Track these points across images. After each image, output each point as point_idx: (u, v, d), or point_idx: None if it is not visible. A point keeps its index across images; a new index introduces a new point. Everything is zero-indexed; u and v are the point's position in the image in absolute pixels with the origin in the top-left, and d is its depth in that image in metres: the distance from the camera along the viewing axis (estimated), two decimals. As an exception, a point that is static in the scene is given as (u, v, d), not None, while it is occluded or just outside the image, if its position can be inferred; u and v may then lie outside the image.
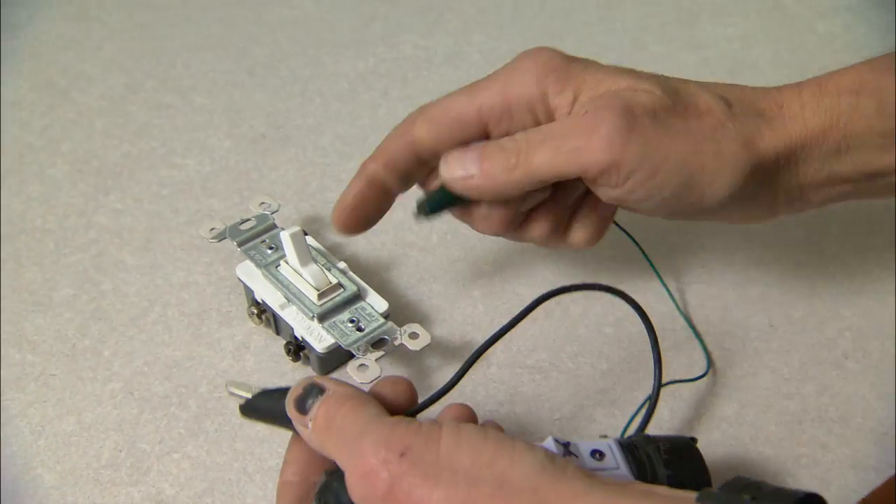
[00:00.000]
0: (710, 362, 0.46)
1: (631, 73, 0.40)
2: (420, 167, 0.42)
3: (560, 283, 0.50)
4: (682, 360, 0.47)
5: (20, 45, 0.70)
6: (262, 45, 0.69)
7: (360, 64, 0.68)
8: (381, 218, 0.44)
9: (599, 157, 0.37)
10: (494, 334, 0.39)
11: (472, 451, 0.30)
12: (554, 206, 0.43)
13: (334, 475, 0.33)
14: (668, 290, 0.49)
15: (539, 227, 0.43)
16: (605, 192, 0.39)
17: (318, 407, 0.32)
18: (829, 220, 0.54)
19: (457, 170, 0.40)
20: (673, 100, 0.38)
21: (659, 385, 0.39)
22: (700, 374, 0.45)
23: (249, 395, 0.35)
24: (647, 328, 0.40)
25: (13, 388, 0.46)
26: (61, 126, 0.62)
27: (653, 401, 0.39)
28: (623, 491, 0.29)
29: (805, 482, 0.41)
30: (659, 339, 0.40)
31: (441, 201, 0.42)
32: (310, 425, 0.32)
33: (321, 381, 0.33)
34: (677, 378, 0.45)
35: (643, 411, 0.39)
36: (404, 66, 0.68)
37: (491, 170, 0.39)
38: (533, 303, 0.40)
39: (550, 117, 0.40)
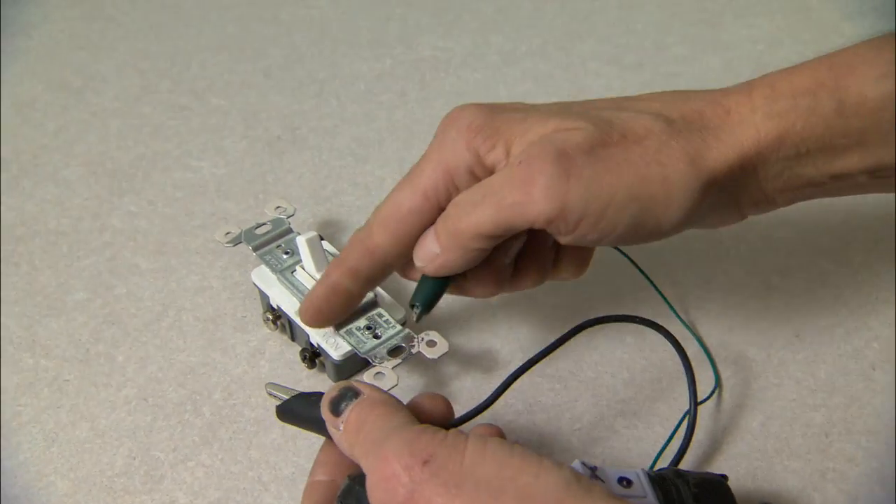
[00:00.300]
0: (718, 382, 0.45)
1: (558, 112, 0.39)
2: (386, 270, 0.42)
3: (578, 290, 0.50)
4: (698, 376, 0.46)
5: (34, 45, 0.70)
6: (278, 46, 0.70)
7: (377, 65, 0.68)
8: (348, 314, 0.44)
9: (542, 208, 0.36)
10: (531, 359, 0.40)
11: (497, 464, 0.30)
12: (535, 250, 0.42)
13: (357, 479, 0.33)
14: (673, 309, 0.48)
15: (529, 276, 0.43)
16: (559, 238, 0.38)
17: (350, 410, 0.33)
18: (856, 227, 0.53)
19: (422, 257, 0.40)
20: (606, 132, 0.37)
21: (694, 420, 0.40)
22: (706, 394, 0.44)
23: (287, 398, 0.36)
24: (682, 361, 0.40)
25: (26, 394, 0.46)
26: (75, 127, 0.62)
27: (688, 433, 0.39)
28: None
29: (832, 497, 0.41)
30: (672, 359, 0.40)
31: (430, 291, 0.42)
32: (341, 427, 0.33)
33: (357, 385, 0.34)
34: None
35: (677, 434, 0.39)
36: (422, 67, 0.68)
37: (445, 241, 0.39)
38: (572, 331, 0.41)
39: (492, 174, 0.39)
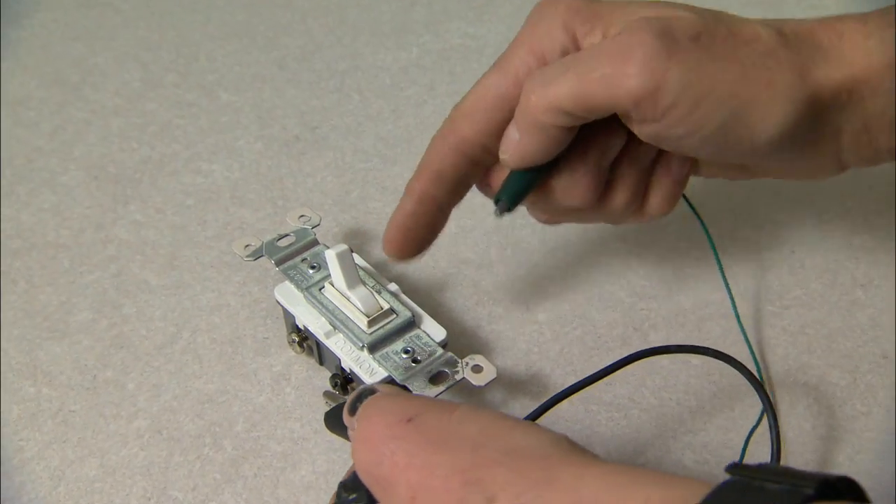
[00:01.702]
0: (769, 408, 0.44)
1: (662, 3, 0.39)
2: (473, 170, 0.42)
3: (637, 307, 0.49)
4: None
5: (25, 36, 0.69)
6: (292, 35, 0.69)
7: (403, 55, 0.67)
8: (436, 237, 0.43)
9: (634, 84, 0.35)
10: (577, 384, 0.39)
11: (485, 422, 0.31)
12: (630, 166, 0.42)
13: (345, 484, 0.33)
14: (743, 330, 0.47)
15: (622, 193, 0.42)
16: (641, 129, 0.38)
17: (363, 407, 0.33)
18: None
19: (504, 147, 0.40)
20: (714, 25, 0.37)
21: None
22: (754, 423, 0.43)
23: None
24: (762, 399, 0.39)
25: (28, 427, 0.45)
26: (73, 127, 0.62)
27: None
28: (637, 470, 0.28)
29: (931, 540, 0.40)
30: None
31: (516, 184, 0.41)
32: (355, 426, 0.33)
33: (376, 385, 0.35)
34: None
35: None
36: (451, 57, 0.67)
37: (522, 121, 0.39)
38: (629, 357, 0.40)
39: None
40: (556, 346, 0.48)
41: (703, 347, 0.40)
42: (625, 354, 0.46)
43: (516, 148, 0.39)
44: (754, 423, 0.42)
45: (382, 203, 0.56)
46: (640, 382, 0.46)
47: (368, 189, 0.57)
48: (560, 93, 0.37)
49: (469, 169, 0.42)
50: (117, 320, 0.50)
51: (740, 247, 0.52)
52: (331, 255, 0.44)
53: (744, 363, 0.40)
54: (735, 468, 0.27)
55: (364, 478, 0.32)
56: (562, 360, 0.48)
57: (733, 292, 0.47)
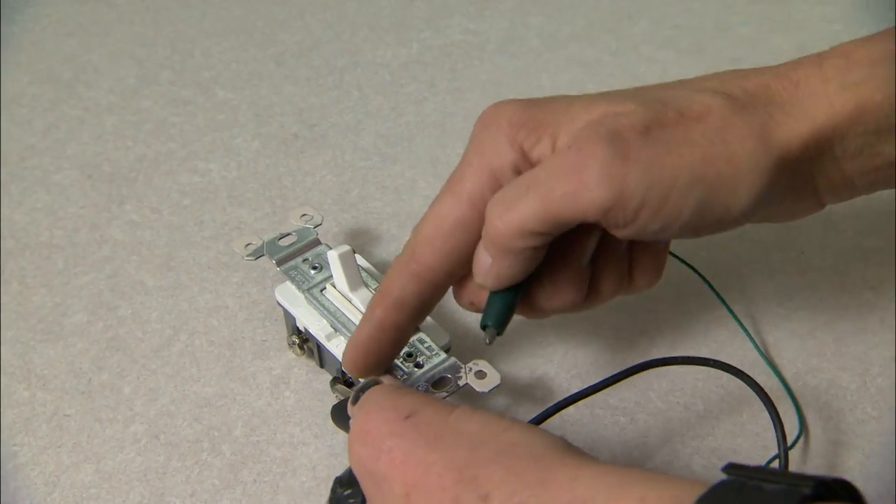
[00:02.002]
0: (803, 425, 0.44)
1: (604, 97, 0.38)
2: (436, 293, 0.41)
3: (643, 309, 0.49)
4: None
5: (18, 32, 0.69)
6: (289, 31, 0.69)
7: (403, 51, 0.67)
8: (398, 354, 0.42)
9: (596, 197, 0.35)
10: (582, 392, 0.39)
11: (482, 422, 0.31)
12: (610, 252, 0.41)
13: (340, 480, 0.34)
14: (752, 339, 0.48)
15: (607, 283, 0.41)
16: (616, 232, 0.37)
17: (362, 400, 0.34)
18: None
19: (477, 271, 0.39)
20: (661, 112, 0.36)
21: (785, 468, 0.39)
22: (793, 439, 0.42)
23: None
24: (768, 409, 0.39)
25: (22, 432, 0.45)
26: (67, 125, 0.62)
27: None
28: (632, 471, 0.29)
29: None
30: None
31: (500, 307, 0.40)
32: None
33: (381, 377, 0.36)
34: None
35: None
36: (452, 53, 0.67)
37: (493, 245, 0.38)
38: (635, 367, 0.40)
39: None
40: (561, 350, 0.48)
41: (714, 360, 0.40)
42: (631, 358, 0.47)
43: (490, 271, 0.39)
44: (778, 435, 0.41)
45: (383, 202, 0.56)
46: (646, 386, 0.46)
47: (368, 188, 0.57)
48: (525, 216, 0.36)
49: (432, 293, 0.41)
50: (113, 322, 0.50)
51: (748, 248, 0.52)
52: (333, 256, 0.44)
53: (755, 366, 0.40)
54: (732, 468, 0.27)
55: (358, 471, 0.32)
56: (566, 364, 0.47)
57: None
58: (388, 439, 0.31)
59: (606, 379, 0.39)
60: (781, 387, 0.45)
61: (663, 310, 0.50)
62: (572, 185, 0.35)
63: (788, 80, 0.37)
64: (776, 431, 0.38)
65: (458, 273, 0.40)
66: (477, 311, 0.41)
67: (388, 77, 0.65)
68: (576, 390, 0.45)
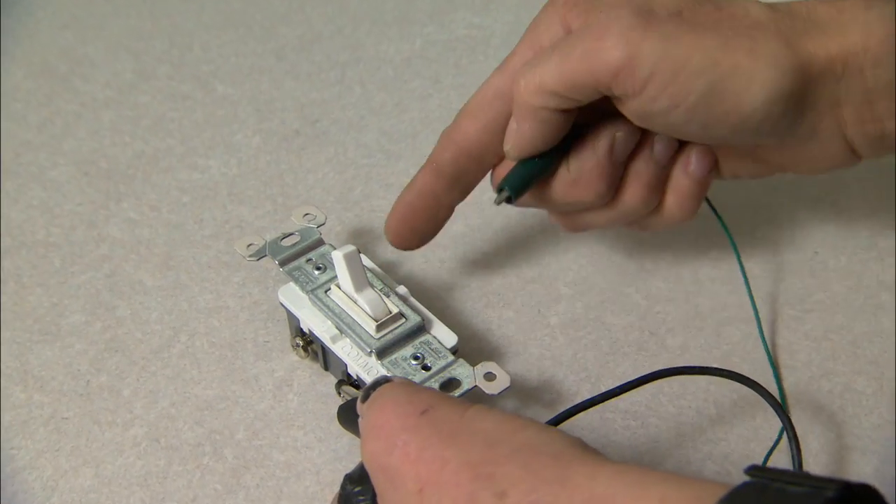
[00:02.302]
0: (788, 428, 0.43)
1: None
2: (475, 168, 0.44)
3: (653, 310, 0.49)
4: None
5: (12, 25, 0.69)
6: (291, 24, 0.68)
7: (406, 46, 0.66)
8: (438, 230, 0.46)
9: (610, 57, 0.37)
10: (593, 398, 0.39)
11: (498, 420, 0.31)
12: (644, 163, 0.43)
13: (351, 476, 0.34)
14: (763, 337, 0.47)
15: (635, 189, 0.43)
16: (626, 108, 0.39)
17: (375, 394, 0.34)
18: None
19: (505, 139, 0.42)
20: (702, 3, 0.39)
21: None
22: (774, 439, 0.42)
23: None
24: (784, 424, 0.38)
25: (20, 435, 0.45)
26: (62, 120, 0.61)
27: None
28: (652, 471, 0.28)
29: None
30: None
31: (519, 175, 0.42)
32: (366, 414, 0.33)
33: (391, 376, 0.36)
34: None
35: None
36: (457, 48, 0.66)
37: (517, 105, 0.40)
38: (652, 375, 0.40)
39: None
40: (570, 351, 0.48)
41: (729, 371, 0.40)
42: (641, 360, 0.47)
43: (515, 137, 0.41)
44: (774, 440, 0.42)
45: (387, 201, 0.56)
46: (657, 389, 0.46)
47: (372, 186, 0.57)
48: (545, 74, 0.39)
49: (470, 166, 0.44)
50: (111, 323, 0.49)
51: (760, 247, 0.52)
52: (338, 257, 0.43)
53: (766, 370, 0.40)
54: (755, 470, 0.27)
55: (371, 466, 0.32)
56: (576, 366, 0.47)
57: (754, 296, 0.47)
58: (403, 434, 0.31)
59: (621, 385, 0.39)
60: (795, 392, 0.45)
61: (673, 311, 0.49)
62: (591, 44, 0.38)
63: (834, 7, 0.38)
64: (790, 443, 0.38)
65: (495, 147, 0.43)
66: None
67: (392, 72, 0.64)
68: (585, 394, 0.46)
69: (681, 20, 0.38)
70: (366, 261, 0.47)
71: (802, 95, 0.37)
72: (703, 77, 0.37)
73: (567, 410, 0.38)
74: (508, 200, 0.43)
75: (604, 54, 0.37)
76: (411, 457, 0.30)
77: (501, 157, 0.44)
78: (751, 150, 0.43)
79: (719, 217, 0.46)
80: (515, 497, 0.28)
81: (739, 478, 0.42)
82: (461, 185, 0.44)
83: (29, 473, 0.43)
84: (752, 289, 0.47)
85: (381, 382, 0.34)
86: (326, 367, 0.46)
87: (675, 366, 0.46)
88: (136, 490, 0.43)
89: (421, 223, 0.44)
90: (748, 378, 0.39)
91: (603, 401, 0.39)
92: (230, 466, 0.43)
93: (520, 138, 0.41)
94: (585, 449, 0.30)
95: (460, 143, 0.43)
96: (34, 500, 0.42)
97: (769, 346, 0.47)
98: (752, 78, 0.36)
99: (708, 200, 0.46)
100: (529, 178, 0.42)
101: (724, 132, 0.39)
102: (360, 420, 0.34)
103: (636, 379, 0.40)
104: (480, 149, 0.43)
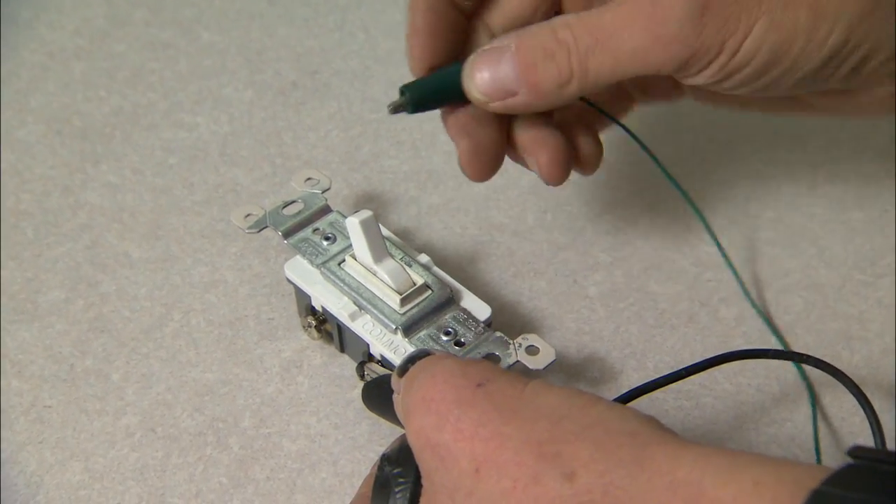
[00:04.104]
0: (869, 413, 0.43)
1: None
2: None
3: (703, 277, 0.49)
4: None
5: (-36, -34, 0.68)
6: (282, -37, 0.68)
7: (413, -14, 0.66)
8: (458, 49, 0.44)
9: (673, 54, 0.38)
10: (651, 383, 0.39)
11: (563, 395, 0.31)
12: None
13: (387, 457, 0.34)
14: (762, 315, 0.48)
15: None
16: (681, 79, 0.40)
17: (424, 363, 0.34)
18: None
19: (491, 85, 0.40)
20: None
21: None
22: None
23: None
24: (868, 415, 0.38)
25: (-2, 425, 0.44)
26: (28, 73, 0.61)
27: None
28: (743, 453, 0.28)
29: None
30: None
31: (434, 96, 0.42)
32: (413, 386, 0.33)
33: (431, 349, 0.36)
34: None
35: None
36: (471, -12, 0.66)
37: (540, 85, 0.40)
38: (717, 358, 0.40)
39: None
40: (611, 325, 0.48)
41: (808, 356, 0.40)
42: (691, 333, 0.47)
43: (508, 100, 0.40)
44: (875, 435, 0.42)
45: (399, 160, 0.56)
46: (712, 366, 0.46)
47: (381, 144, 0.56)
48: (596, 70, 0.39)
49: None
50: (95, 300, 0.49)
51: (822, 206, 0.52)
52: (353, 224, 0.43)
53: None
54: (859, 450, 0.27)
55: (417, 443, 0.32)
56: (618, 341, 0.47)
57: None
58: (457, 408, 0.31)
59: (696, 364, 0.39)
60: (867, 366, 0.45)
61: (726, 278, 0.49)
62: (646, 41, 0.38)
63: None
64: (871, 426, 0.38)
65: None
66: None
67: (398, 16, 0.64)
68: (630, 371, 0.46)
69: None
70: (381, 228, 0.46)
71: (869, 36, 0.38)
72: (765, 44, 0.38)
73: (637, 388, 0.38)
74: (407, 109, 0.42)
75: (664, 52, 0.38)
76: (466, 433, 0.30)
77: None
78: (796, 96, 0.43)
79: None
80: (586, 478, 0.28)
81: (808, 461, 0.42)
82: None
83: (11, 468, 0.43)
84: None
85: (421, 355, 0.34)
86: (342, 349, 0.46)
87: (729, 339, 0.46)
88: (131, 485, 0.42)
89: (444, 31, 0.43)
90: (830, 365, 0.39)
91: (675, 380, 0.39)
92: (236, 457, 0.43)
93: (518, 106, 0.41)
94: (663, 429, 0.30)
95: None
96: (18, 498, 0.42)
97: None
98: (811, 36, 0.37)
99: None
100: (440, 104, 0.43)
101: (778, 90, 0.40)
102: (398, 396, 0.34)
103: (714, 358, 0.39)
104: None
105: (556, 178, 0.43)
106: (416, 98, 0.42)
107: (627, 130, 0.45)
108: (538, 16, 0.44)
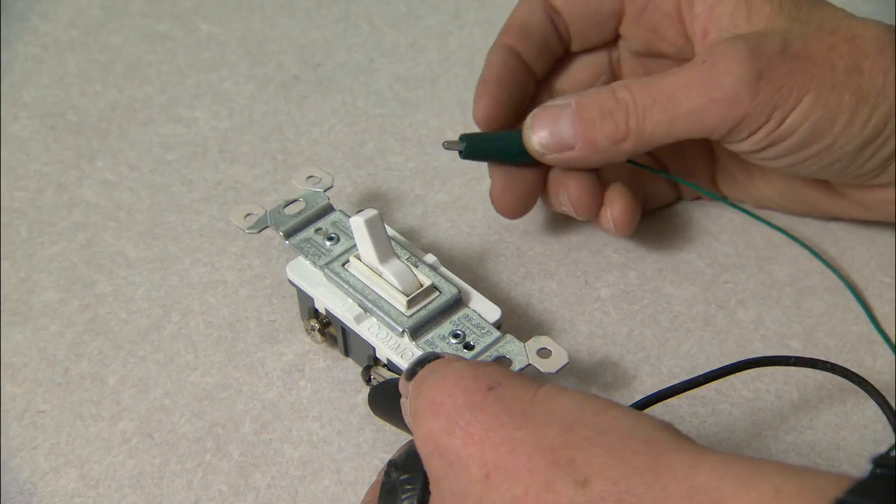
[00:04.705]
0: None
1: (800, 10, 0.44)
2: (557, 39, 0.49)
3: (720, 279, 0.49)
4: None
5: (-45, -45, 0.68)
6: (284, -48, 0.68)
7: (420, -24, 0.66)
8: (522, 108, 0.48)
9: (726, 117, 0.42)
10: (668, 390, 0.39)
11: (576, 400, 0.31)
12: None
13: (395, 463, 0.34)
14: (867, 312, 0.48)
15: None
16: (722, 142, 0.44)
17: (434, 366, 0.34)
18: None
19: (550, 139, 0.45)
20: (807, 30, 0.42)
21: None
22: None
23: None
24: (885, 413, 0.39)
25: (-10, 431, 0.45)
26: (21, 66, 0.61)
27: None
28: (762, 460, 0.28)
29: None
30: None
31: (490, 153, 0.47)
32: (422, 389, 0.33)
33: (442, 353, 0.36)
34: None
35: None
36: (480, -23, 0.66)
37: (597, 141, 0.44)
38: (738, 364, 0.40)
39: None
40: (625, 328, 0.48)
41: (832, 364, 0.40)
42: (708, 337, 0.47)
43: (564, 154, 0.45)
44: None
45: (404, 157, 0.56)
46: (728, 370, 0.46)
47: (386, 140, 0.57)
48: (651, 129, 0.43)
49: (554, 34, 0.48)
50: (90, 301, 0.49)
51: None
52: (358, 223, 0.43)
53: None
54: (884, 459, 0.27)
55: (425, 448, 0.32)
56: (632, 345, 0.47)
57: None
58: (467, 412, 0.31)
59: (718, 370, 0.40)
60: (891, 370, 0.45)
61: (744, 280, 0.49)
62: (703, 102, 0.42)
63: None
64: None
65: (591, 31, 0.48)
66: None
67: (404, 7, 0.64)
68: (644, 377, 0.46)
69: (790, 57, 0.41)
70: (386, 228, 0.46)
71: None
72: (810, 116, 0.42)
73: (653, 395, 0.38)
74: (460, 153, 0.46)
75: (717, 114, 0.42)
76: (476, 438, 0.30)
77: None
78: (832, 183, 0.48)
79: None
80: (600, 486, 0.28)
81: (830, 470, 0.42)
82: (547, 53, 0.49)
83: (3, 475, 0.43)
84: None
85: (430, 358, 0.34)
86: (347, 353, 0.46)
87: (747, 342, 0.46)
88: (128, 493, 0.43)
89: (512, 88, 0.47)
90: (854, 373, 0.40)
91: (692, 387, 0.39)
92: (236, 464, 0.43)
93: (573, 161, 0.45)
94: (680, 435, 0.30)
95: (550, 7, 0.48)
96: (11, 506, 0.42)
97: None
98: (853, 118, 0.42)
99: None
100: (494, 160, 0.47)
101: (813, 168, 0.44)
102: (405, 400, 0.34)
103: (733, 364, 0.40)
104: (575, 19, 0.48)
105: (624, 228, 0.48)
106: (472, 150, 0.46)
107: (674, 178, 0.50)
108: (600, 84, 0.48)
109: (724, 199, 0.51)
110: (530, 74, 0.48)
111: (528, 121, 0.45)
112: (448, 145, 0.46)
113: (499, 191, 0.47)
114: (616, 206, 0.47)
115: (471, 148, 0.46)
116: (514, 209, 0.47)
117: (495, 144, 0.47)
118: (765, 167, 0.47)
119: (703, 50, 0.44)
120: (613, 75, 0.50)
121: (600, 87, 0.44)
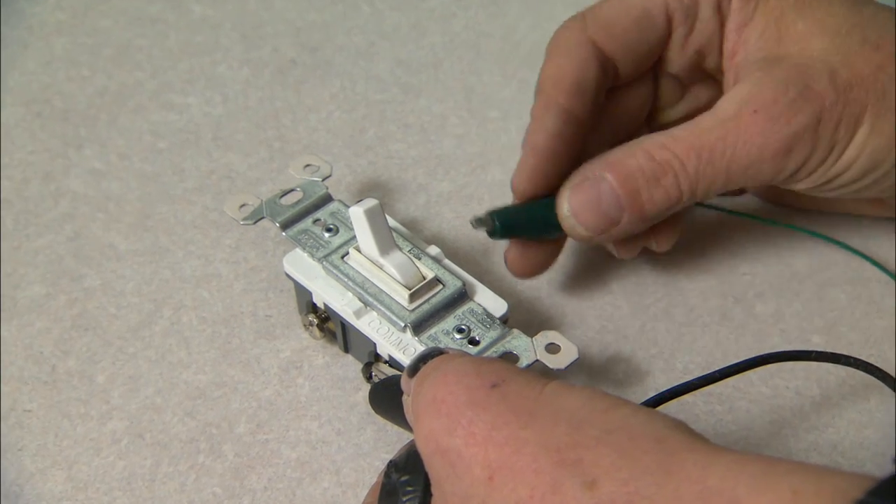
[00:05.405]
0: None
1: (837, 20, 0.43)
2: (606, 85, 0.46)
3: (737, 271, 0.49)
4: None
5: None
6: (279, -69, 0.68)
7: (422, -45, 0.66)
8: (567, 172, 0.45)
9: (788, 165, 0.42)
10: (682, 386, 0.39)
11: (584, 397, 0.31)
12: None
13: (394, 463, 0.34)
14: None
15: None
16: (783, 186, 0.44)
17: (436, 363, 0.34)
18: None
19: (596, 223, 0.43)
20: (859, 42, 0.42)
21: None
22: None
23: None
24: None
25: (-26, 431, 0.45)
26: (6, 50, 0.61)
27: None
28: (779, 459, 0.28)
29: None
30: None
31: (524, 230, 0.45)
32: (424, 387, 0.33)
33: (445, 348, 0.36)
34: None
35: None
36: (484, -43, 0.66)
37: (646, 210, 0.43)
38: (756, 359, 0.40)
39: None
40: (637, 323, 0.48)
41: (855, 359, 0.40)
42: (725, 332, 0.47)
43: (614, 229, 0.43)
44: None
45: (407, 144, 0.56)
46: (746, 367, 0.46)
47: (387, 126, 0.57)
48: (705, 189, 0.42)
49: (603, 82, 0.45)
50: (78, 295, 0.49)
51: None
52: (358, 214, 0.43)
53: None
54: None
55: (426, 448, 0.32)
56: (644, 341, 0.47)
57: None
58: (469, 410, 0.31)
59: (734, 365, 0.39)
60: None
61: (762, 272, 0.49)
62: (762, 154, 0.41)
63: None
64: None
65: (638, 64, 0.46)
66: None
67: (406, -13, 0.64)
68: (658, 374, 0.46)
69: (845, 92, 0.41)
70: (387, 218, 0.46)
71: None
72: (866, 148, 0.42)
73: (667, 391, 0.38)
74: (489, 232, 0.44)
75: (776, 165, 0.41)
76: (478, 437, 0.30)
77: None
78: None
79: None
80: (608, 487, 0.28)
81: (852, 470, 0.42)
82: (596, 104, 0.45)
83: (-12, 477, 0.43)
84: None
85: (433, 354, 0.34)
86: (347, 349, 0.46)
87: (765, 337, 0.46)
88: (118, 496, 0.43)
89: (565, 153, 0.44)
90: (880, 369, 0.39)
91: (708, 384, 0.39)
92: (231, 465, 0.43)
93: (620, 233, 0.43)
94: (692, 434, 0.30)
95: (599, 56, 0.45)
96: (-4, 510, 0.42)
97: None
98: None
99: None
100: (525, 236, 0.46)
101: (869, 193, 0.44)
102: (407, 398, 0.34)
103: (752, 359, 0.39)
104: (629, 66, 0.46)
105: (667, 248, 0.47)
106: (505, 228, 0.44)
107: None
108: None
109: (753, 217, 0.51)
110: (583, 134, 0.45)
111: (565, 205, 0.43)
112: (476, 224, 0.44)
113: (515, 257, 0.46)
114: (661, 236, 0.46)
115: (504, 227, 0.44)
116: (530, 274, 0.47)
117: (531, 223, 0.45)
118: (818, 196, 0.46)
119: (740, 86, 0.42)
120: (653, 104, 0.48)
121: (632, 149, 0.42)
